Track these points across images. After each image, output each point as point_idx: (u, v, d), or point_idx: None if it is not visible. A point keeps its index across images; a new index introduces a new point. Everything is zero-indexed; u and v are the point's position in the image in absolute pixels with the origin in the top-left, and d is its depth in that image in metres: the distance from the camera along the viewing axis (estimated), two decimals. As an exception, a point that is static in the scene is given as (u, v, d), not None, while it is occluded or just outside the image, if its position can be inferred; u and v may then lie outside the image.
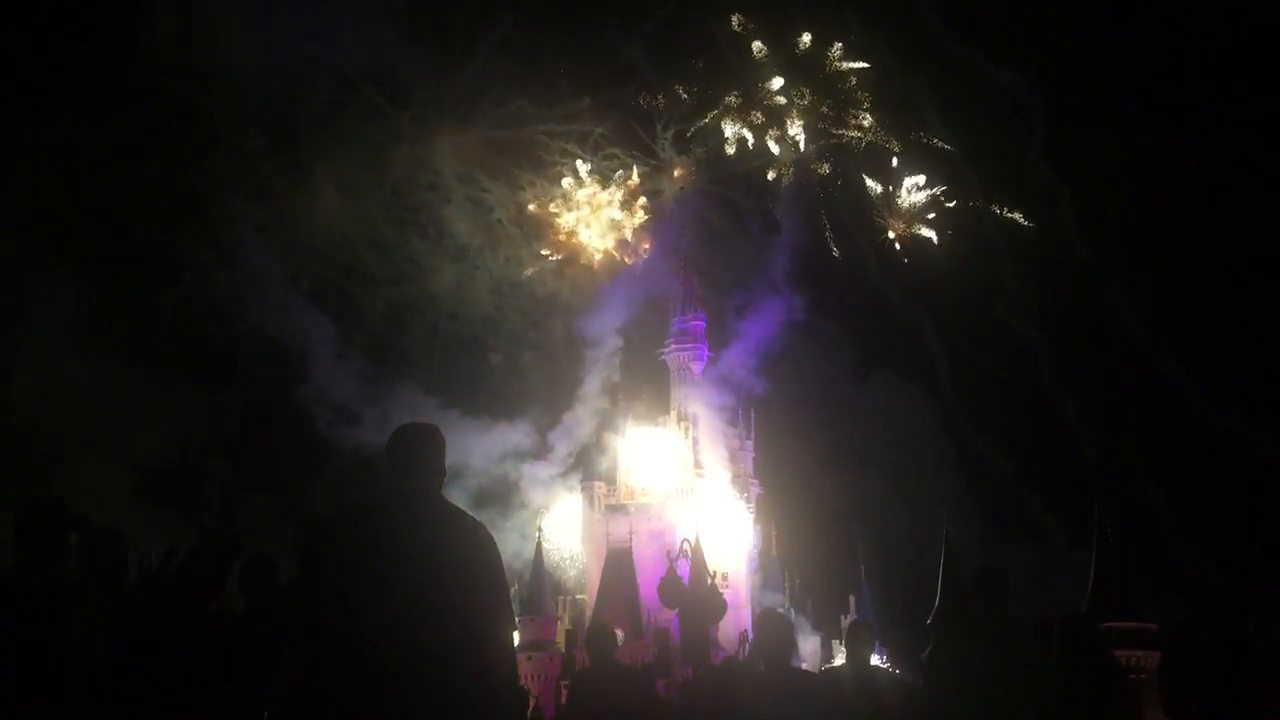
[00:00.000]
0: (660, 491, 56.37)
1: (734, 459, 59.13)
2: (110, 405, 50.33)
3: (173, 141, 55.64)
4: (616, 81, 61.90)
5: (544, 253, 61.30)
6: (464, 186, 60.50)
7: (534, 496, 56.26)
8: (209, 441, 56.15)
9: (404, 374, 58.65)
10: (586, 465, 58.14)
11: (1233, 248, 61.79)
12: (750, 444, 59.75)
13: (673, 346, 60.33)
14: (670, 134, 62.72)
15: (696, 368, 60.05)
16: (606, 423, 58.57)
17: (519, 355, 60.19)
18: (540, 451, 57.20)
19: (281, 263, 57.99)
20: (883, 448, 60.19)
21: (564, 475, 57.99)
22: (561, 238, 61.28)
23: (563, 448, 57.68)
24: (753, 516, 57.91)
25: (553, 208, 61.40)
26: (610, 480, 57.58)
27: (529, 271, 61.04)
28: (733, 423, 59.07)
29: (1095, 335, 62.73)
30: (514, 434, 55.70)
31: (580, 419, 57.90)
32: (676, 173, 62.16)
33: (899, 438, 60.41)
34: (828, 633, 54.58)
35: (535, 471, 56.57)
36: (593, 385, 58.49)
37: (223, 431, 56.97)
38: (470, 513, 4.72)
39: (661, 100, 62.25)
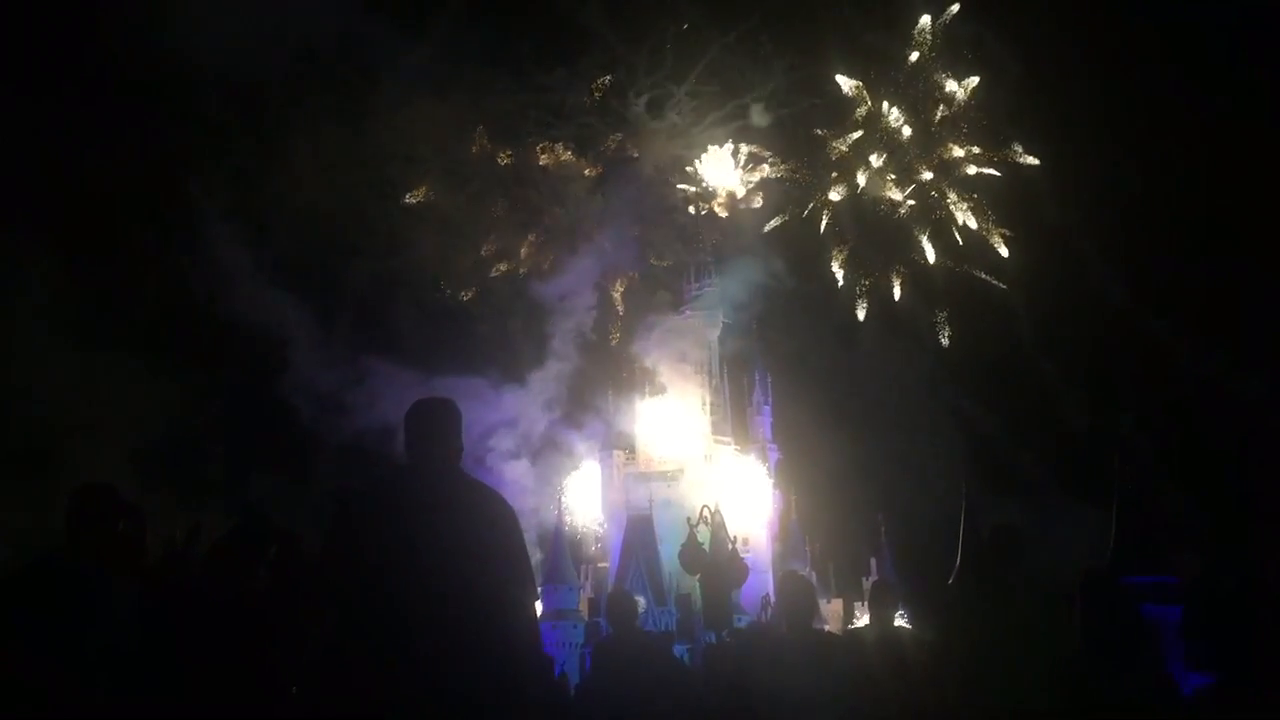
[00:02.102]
0: (680, 459, 56.46)
1: (752, 423, 59.28)
2: (101, 389, 50.32)
3: (137, 118, 55.32)
4: (583, 49, 61.78)
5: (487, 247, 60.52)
6: (441, 158, 60.10)
7: (504, 469, 54.89)
8: (205, 421, 56.13)
9: (390, 349, 58.55)
10: (563, 435, 57.62)
11: (1210, 199, 61.37)
12: (768, 408, 59.82)
13: (688, 312, 60.29)
14: (643, 100, 62.52)
15: (713, 333, 60.02)
16: (585, 387, 58.20)
17: (504, 324, 60.09)
18: (510, 420, 56.25)
19: (258, 239, 57.68)
20: (881, 407, 60.40)
21: (535, 446, 56.81)
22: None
23: (530, 417, 56.89)
24: (772, 481, 58.04)
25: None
26: (629, 448, 57.69)
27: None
28: (703, 371, 59.15)
29: (1072, 292, 62.47)
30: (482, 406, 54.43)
31: (548, 384, 57.42)
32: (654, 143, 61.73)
33: (894, 396, 60.64)
34: (850, 595, 54.81)
35: (501, 442, 55.78)
36: (562, 347, 58.06)
37: (218, 411, 56.96)
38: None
39: (632, 66, 62.03)
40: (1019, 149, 59.59)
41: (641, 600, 43.88)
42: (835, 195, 60.45)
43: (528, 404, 56.43)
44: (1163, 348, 58.49)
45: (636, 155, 61.79)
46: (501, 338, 58.99)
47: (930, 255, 60.15)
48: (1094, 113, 61.62)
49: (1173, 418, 58.69)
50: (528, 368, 57.39)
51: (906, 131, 60.10)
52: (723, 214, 61.73)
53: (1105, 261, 58.76)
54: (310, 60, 57.22)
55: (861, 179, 60.32)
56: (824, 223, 60.73)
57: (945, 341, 60.11)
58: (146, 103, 55.88)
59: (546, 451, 57.12)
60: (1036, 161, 59.79)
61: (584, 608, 51.07)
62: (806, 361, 59.59)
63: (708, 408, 58.33)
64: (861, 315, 60.62)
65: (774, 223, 60.94)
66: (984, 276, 59.75)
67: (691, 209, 61.95)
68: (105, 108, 54.17)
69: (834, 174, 61.01)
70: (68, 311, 50.46)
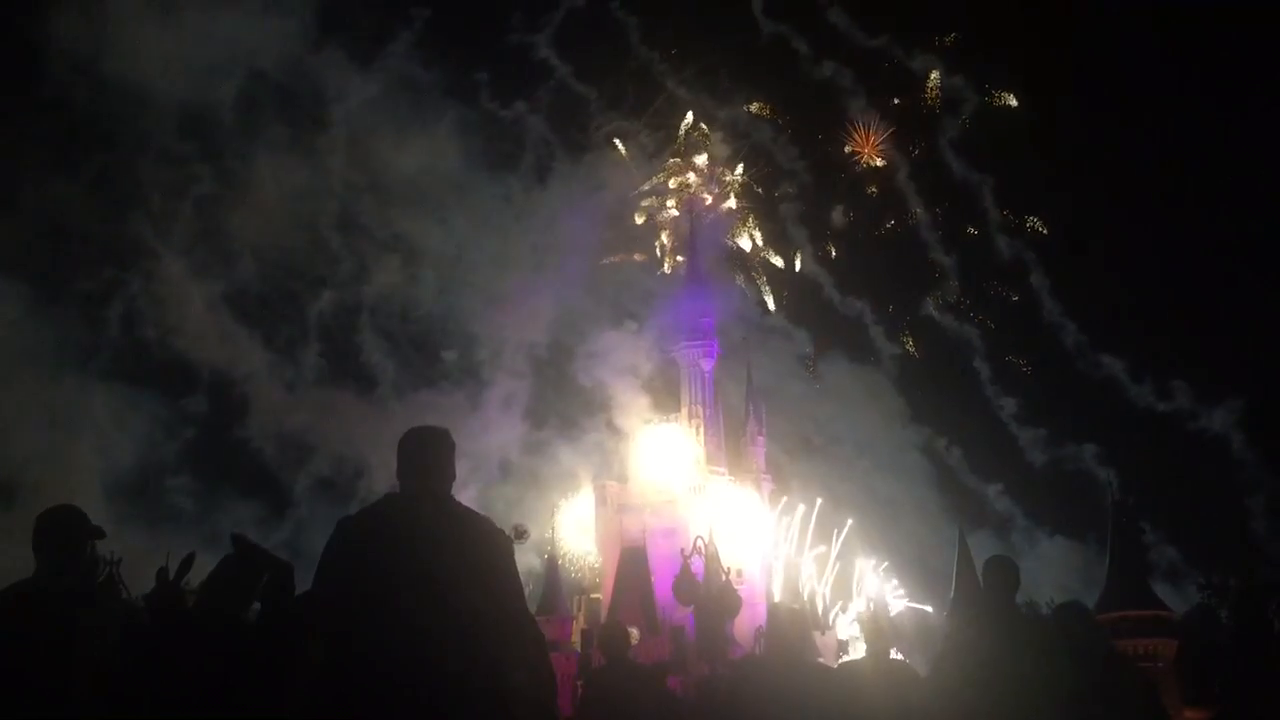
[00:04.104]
0: (673, 489, 56.29)
1: (746, 454, 59.24)
2: (70, 419, 49.98)
3: (97, 153, 55.24)
4: (541, 81, 62.51)
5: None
6: (404, 188, 60.28)
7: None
8: (175, 452, 55.77)
9: (357, 378, 58.28)
10: (551, 463, 57.33)
11: (1159, 232, 62.16)
12: (761, 439, 59.76)
13: (684, 344, 60.31)
14: (603, 132, 63.16)
15: (707, 364, 60.00)
16: (571, 416, 58.06)
17: (473, 352, 60.13)
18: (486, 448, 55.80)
19: (218, 271, 57.50)
20: (852, 444, 60.76)
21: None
22: None
23: (501, 445, 56.42)
24: (766, 512, 57.90)
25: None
26: (622, 479, 57.55)
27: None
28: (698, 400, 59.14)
29: (1029, 330, 63.10)
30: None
31: (520, 412, 57.14)
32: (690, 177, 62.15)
33: (862, 427, 61.08)
34: (845, 626, 54.61)
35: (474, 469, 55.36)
36: (504, 383, 57.88)
37: (187, 441, 56.64)
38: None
39: (584, 99, 62.64)
40: (1036, 220, 60.11)
41: (635, 631, 43.58)
42: (798, 264, 61.14)
43: (501, 433, 56.34)
44: (1119, 385, 59.06)
45: (603, 185, 62.34)
46: (470, 365, 59.08)
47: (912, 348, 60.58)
48: (1046, 153, 62.43)
49: (1134, 452, 59.11)
50: (497, 395, 57.42)
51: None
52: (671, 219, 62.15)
53: (1057, 300, 59.50)
54: (264, 91, 57.50)
55: (833, 250, 60.92)
56: (781, 298, 61.42)
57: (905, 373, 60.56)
58: (101, 135, 55.82)
59: (535, 480, 57.07)
60: (1045, 231, 60.19)
61: (577, 639, 50.75)
62: (784, 396, 59.94)
63: (700, 437, 58.28)
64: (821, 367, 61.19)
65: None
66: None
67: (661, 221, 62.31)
68: (59, 140, 54.05)
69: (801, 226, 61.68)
70: (32, 342, 50.13)
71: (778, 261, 64.88)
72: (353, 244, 60.20)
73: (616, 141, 63.22)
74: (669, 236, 63.68)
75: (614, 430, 58.11)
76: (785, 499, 57.74)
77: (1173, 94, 64.16)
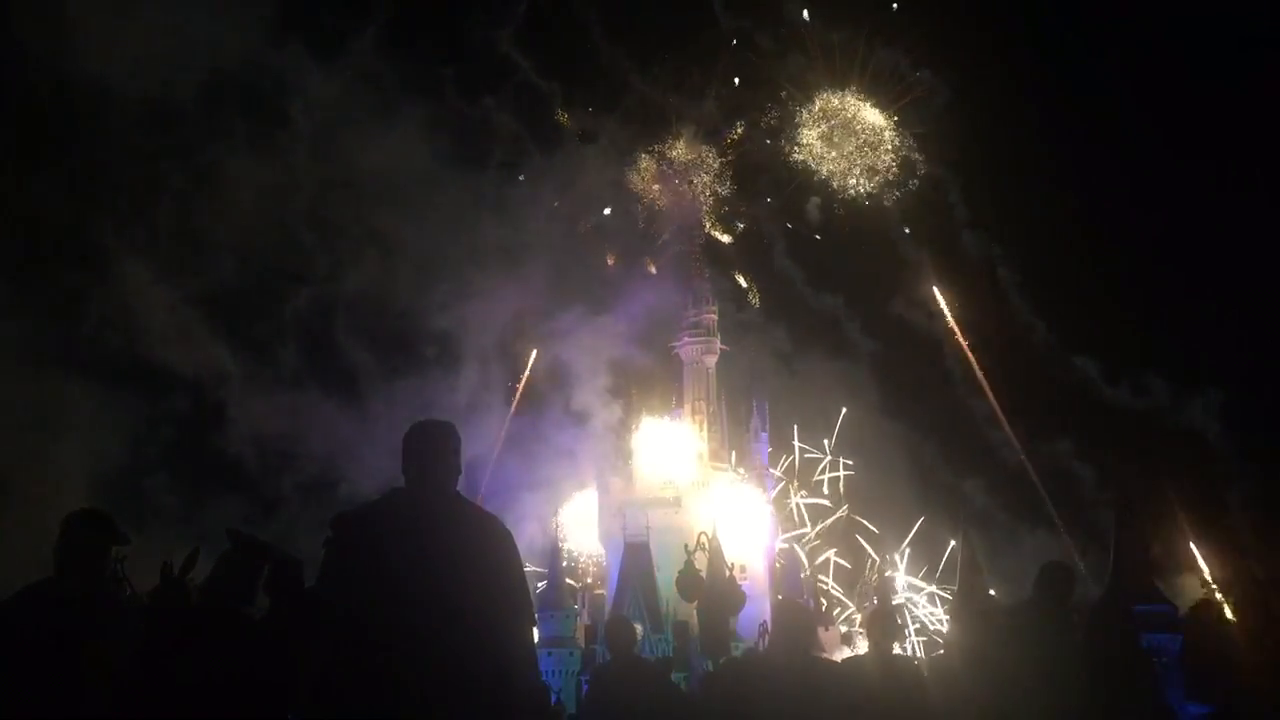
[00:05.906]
0: (677, 485, 56.27)
1: (750, 450, 59.23)
2: (51, 418, 49.79)
3: (64, 152, 54.79)
4: (508, 77, 62.50)
5: None
6: (375, 184, 59.90)
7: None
8: (159, 448, 55.49)
9: (335, 377, 58.12)
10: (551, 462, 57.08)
11: (1130, 229, 62.26)
12: (765, 435, 59.74)
13: (685, 339, 60.29)
14: (571, 127, 63.14)
15: (709, 360, 59.97)
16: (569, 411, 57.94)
17: (456, 346, 59.95)
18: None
19: (188, 270, 57.15)
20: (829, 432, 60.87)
21: None
22: None
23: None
24: (770, 508, 57.90)
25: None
26: (625, 475, 57.52)
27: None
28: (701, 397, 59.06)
29: (1001, 328, 63.00)
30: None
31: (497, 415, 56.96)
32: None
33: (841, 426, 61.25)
34: (849, 621, 54.65)
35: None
36: (490, 377, 57.74)
37: (170, 438, 56.32)
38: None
39: (556, 92, 62.62)
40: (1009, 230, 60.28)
41: (639, 627, 43.57)
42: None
43: (489, 427, 56.17)
44: (1091, 384, 59.08)
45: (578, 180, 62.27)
46: (453, 360, 58.84)
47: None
48: (1016, 155, 62.38)
49: (1109, 448, 59.03)
50: (483, 390, 57.20)
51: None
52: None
53: (1028, 298, 59.52)
54: (229, 88, 57.16)
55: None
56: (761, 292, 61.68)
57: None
58: (66, 133, 55.33)
59: (530, 475, 56.93)
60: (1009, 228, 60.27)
61: (580, 635, 50.77)
62: (764, 390, 60.02)
63: (704, 433, 58.27)
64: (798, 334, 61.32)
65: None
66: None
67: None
68: (24, 139, 53.58)
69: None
70: (8, 341, 49.85)
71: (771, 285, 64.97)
72: (326, 240, 59.92)
73: (564, 117, 62.93)
74: (658, 207, 63.46)
75: (616, 425, 57.99)
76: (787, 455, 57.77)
77: (1140, 89, 64.22)
